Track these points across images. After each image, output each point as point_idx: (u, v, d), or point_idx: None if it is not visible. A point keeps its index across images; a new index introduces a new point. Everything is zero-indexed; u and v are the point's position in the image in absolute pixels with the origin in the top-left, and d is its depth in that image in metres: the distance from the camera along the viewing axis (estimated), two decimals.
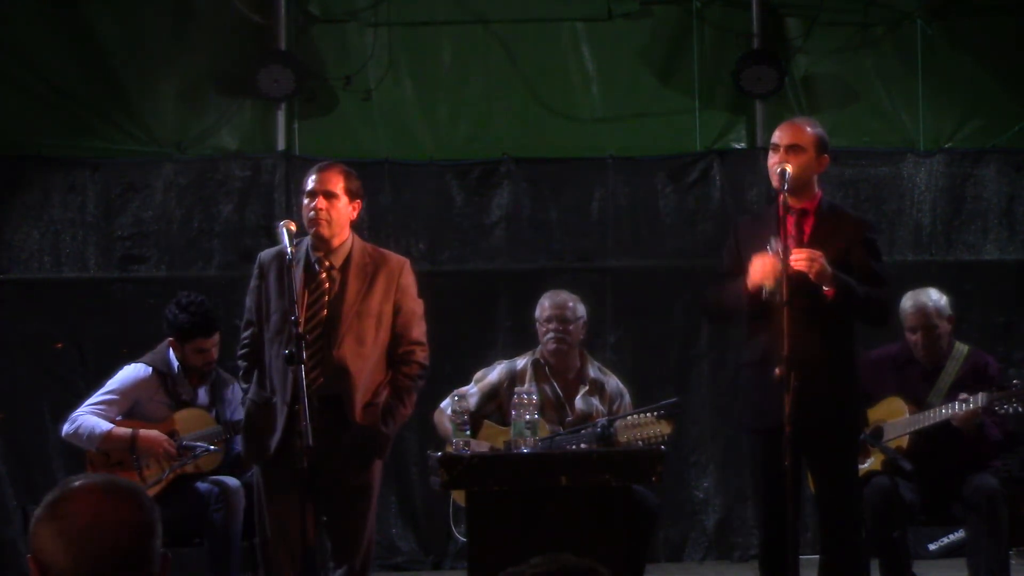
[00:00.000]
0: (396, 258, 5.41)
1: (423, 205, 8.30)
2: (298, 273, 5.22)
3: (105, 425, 6.13)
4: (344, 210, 5.28)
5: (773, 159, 5.18)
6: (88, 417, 6.15)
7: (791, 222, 5.17)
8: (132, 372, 6.29)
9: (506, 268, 8.27)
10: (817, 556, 5.39)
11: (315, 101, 8.35)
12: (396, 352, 5.33)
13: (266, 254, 5.41)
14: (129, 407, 6.21)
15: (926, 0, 8.37)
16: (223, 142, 8.31)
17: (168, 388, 6.25)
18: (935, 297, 6.17)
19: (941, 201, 8.35)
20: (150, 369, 6.27)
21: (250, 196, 8.17)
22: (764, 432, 5.11)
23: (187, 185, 8.19)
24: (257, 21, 8.22)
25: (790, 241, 5.13)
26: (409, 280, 5.37)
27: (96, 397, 6.24)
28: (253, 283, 5.39)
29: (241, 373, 5.42)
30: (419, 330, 5.39)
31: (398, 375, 5.32)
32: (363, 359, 5.23)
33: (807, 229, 5.20)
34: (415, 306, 5.38)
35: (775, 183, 5.14)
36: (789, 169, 5.09)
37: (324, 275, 5.23)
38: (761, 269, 5.02)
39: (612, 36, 8.43)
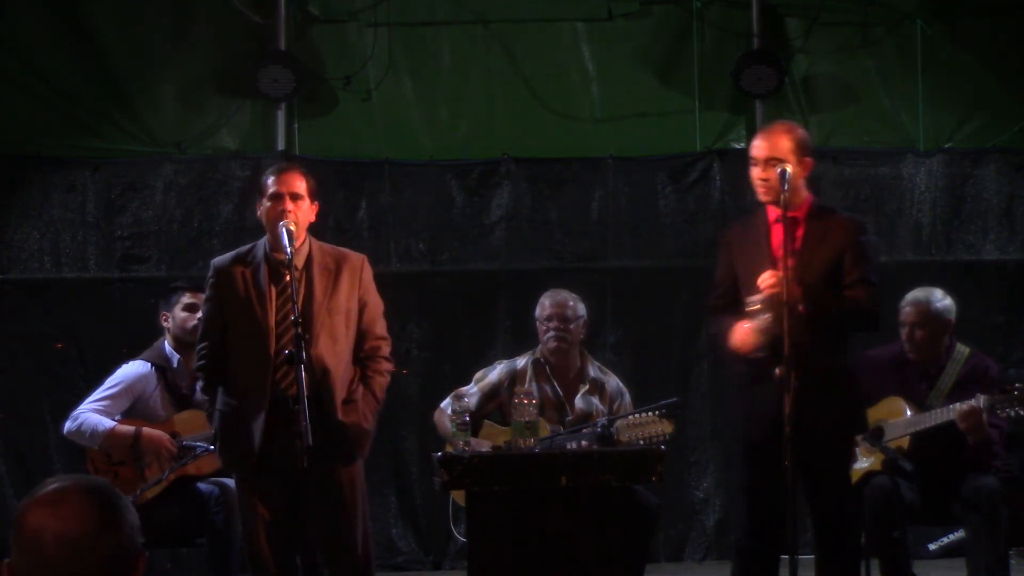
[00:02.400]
0: (355, 255, 5.39)
1: (423, 205, 8.29)
2: (262, 276, 5.21)
3: (108, 423, 6.12)
4: (307, 211, 5.27)
5: (754, 172, 5.14)
6: (90, 415, 6.14)
7: (781, 231, 5.11)
8: (132, 369, 6.28)
9: (506, 268, 8.26)
10: (805, 556, 5.39)
11: (315, 101, 8.35)
12: (363, 348, 5.31)
13: (222, 261, 5.35)
14: (130, 404, 6.20)
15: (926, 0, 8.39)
16: (223, 142, 8.31)
17: (168, 381, 6.25)
18: (939, 296, 6.16)
19: (941, 201, 8.35)
20: (149, 365, 6.27)
21: (250, 196, 8.10)
22: (756, 437, 5.11)
23: (187, 185, 8.19)
24: (257, 21, 8.22)
25: (782, 250, 5.10)
26: (370, 276, 5.37)
27: (97, 394, 6.23)
28: (210, 292, 5.33)
29: (202, 386, 5.40)
30: (382, 325, 5.38)
31: (369, 371, 5.30)
32: (338, 357, 5.21)
33: (798, 236, 5.13)
34: (378, 301, 5.38)
35: (760, 195, 5.12)
36: (789, 169, 5.07)
37: (288, 277, 5.15)
38: (741, 339, 5.03)
39: (612, 36, 8.42)
